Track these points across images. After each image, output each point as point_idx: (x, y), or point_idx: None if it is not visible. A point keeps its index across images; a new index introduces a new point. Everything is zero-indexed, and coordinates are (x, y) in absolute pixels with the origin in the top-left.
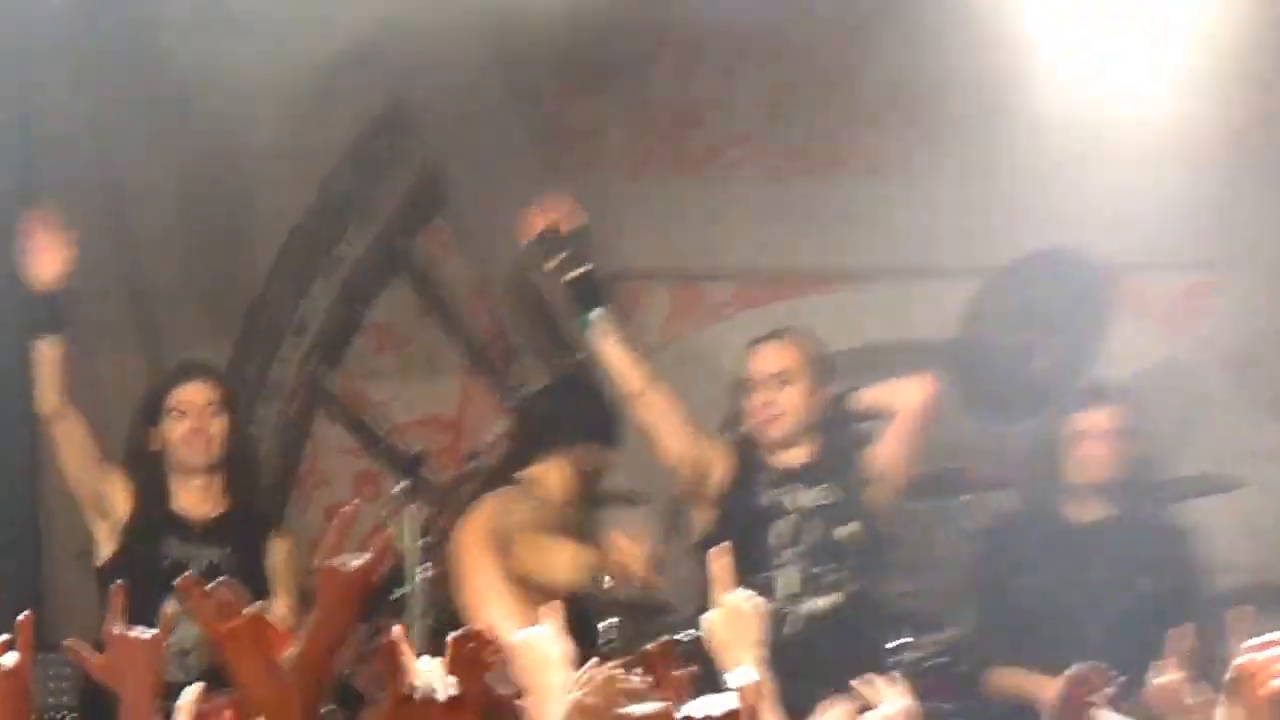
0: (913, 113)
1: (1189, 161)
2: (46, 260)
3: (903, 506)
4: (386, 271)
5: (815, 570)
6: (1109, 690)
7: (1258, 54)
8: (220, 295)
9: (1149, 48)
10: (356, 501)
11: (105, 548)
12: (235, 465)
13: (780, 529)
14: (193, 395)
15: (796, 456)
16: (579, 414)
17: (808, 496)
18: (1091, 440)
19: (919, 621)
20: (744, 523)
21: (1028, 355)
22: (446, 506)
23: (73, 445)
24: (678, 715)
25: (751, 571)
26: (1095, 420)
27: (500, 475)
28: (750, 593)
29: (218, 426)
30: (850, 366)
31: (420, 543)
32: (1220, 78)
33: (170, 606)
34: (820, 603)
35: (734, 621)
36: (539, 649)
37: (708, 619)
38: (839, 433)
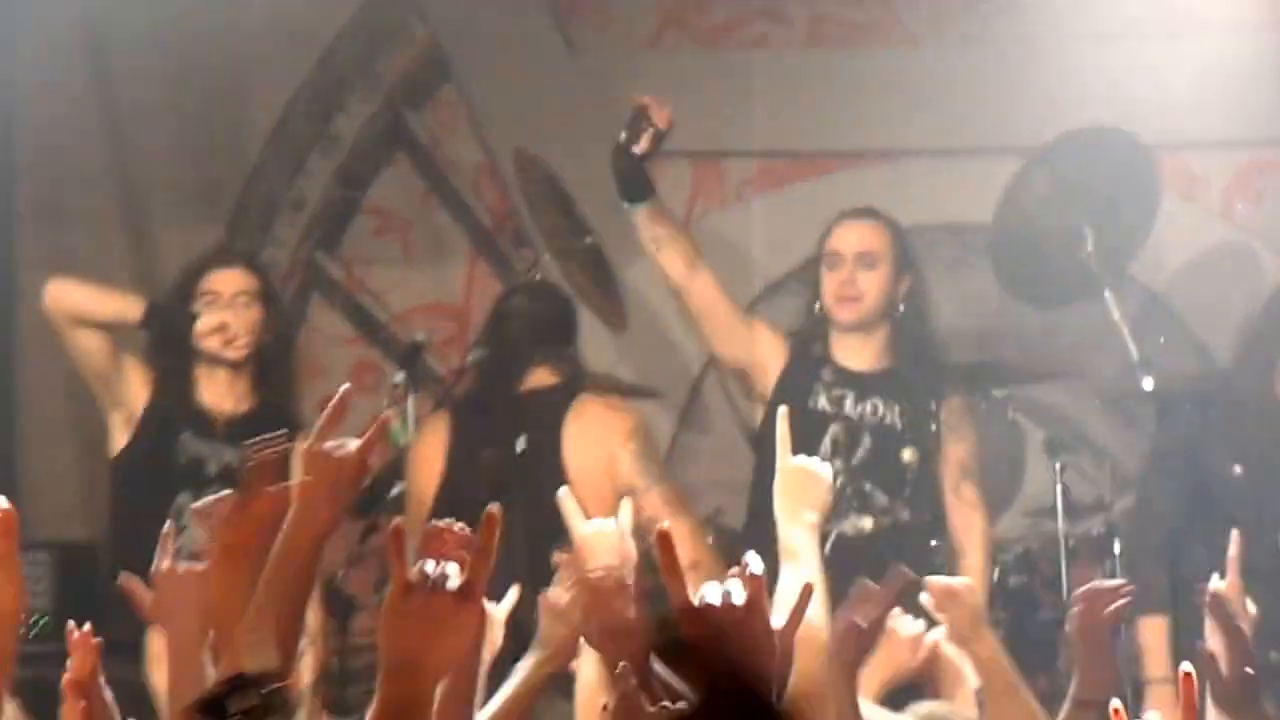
0: None
1: (1244, 31)
2: None
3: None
4: (388, 148)
5: (866, 487)
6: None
7: None
8: (212, 172)
9: None
10: (348, 385)
11: (119, 438)
12: (266, 361)
13: (836, 434)
14: (223, 283)
15: (864, 359)
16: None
17: (870, 407)
18: None
19: None
20: (797, 423)
21: (1071, 238)
22: (450, 398)
23: (80, 327)
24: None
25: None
26: None
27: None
28: (816, 458)
29: (247, 319)
30: None
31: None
32: None
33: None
34: (865, 524)
35: (799, 485)
36: (607, 543)
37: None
38: (912, 341)
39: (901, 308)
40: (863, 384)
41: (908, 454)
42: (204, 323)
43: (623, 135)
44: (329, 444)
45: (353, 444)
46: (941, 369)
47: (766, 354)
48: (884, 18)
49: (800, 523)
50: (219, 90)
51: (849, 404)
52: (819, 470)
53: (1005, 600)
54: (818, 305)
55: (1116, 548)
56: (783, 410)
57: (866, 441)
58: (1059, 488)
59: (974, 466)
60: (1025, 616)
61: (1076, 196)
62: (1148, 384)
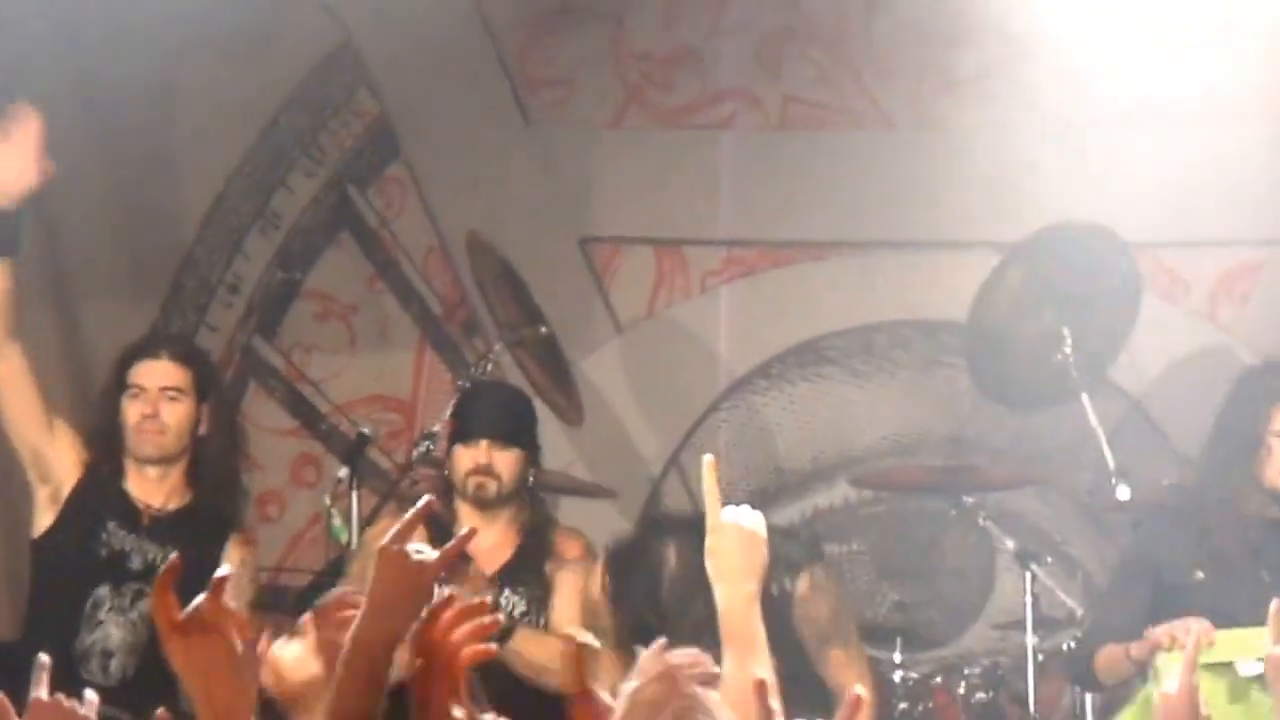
0: (925, 64)
1: (1234, 128)
2: (14, 168)
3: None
4: (332, 228)
5: None
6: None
7: None
8: (145, 250)
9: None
10: (430, 497)
11: (43, 517)
12: (201, 458)
13: None
14: (151, 375)
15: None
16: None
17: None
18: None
19: (921, 636)
20: None
21: (1048, 339)
22: (395, 495)
23: (14, 392)
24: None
25: None
26: None
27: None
28: (747, 507)
29: (175, 414)
30: (851, 348)
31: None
32: (1271, 36)
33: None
34: None
35: (739, 545)
36: (746, 531)
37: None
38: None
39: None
40: None
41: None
42: (130, 415)
43: None
44: (410, 547)
45: (431, 552)
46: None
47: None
48: (857, 99)
49: (742, 595)
50: (153, 163)
51: None
52: (757, 525)
53: (970, 717)
54: None
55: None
56: (709, 459)
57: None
58: (1029, 599)
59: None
60: None
61: (1055, 295)
62: (1123, 493)
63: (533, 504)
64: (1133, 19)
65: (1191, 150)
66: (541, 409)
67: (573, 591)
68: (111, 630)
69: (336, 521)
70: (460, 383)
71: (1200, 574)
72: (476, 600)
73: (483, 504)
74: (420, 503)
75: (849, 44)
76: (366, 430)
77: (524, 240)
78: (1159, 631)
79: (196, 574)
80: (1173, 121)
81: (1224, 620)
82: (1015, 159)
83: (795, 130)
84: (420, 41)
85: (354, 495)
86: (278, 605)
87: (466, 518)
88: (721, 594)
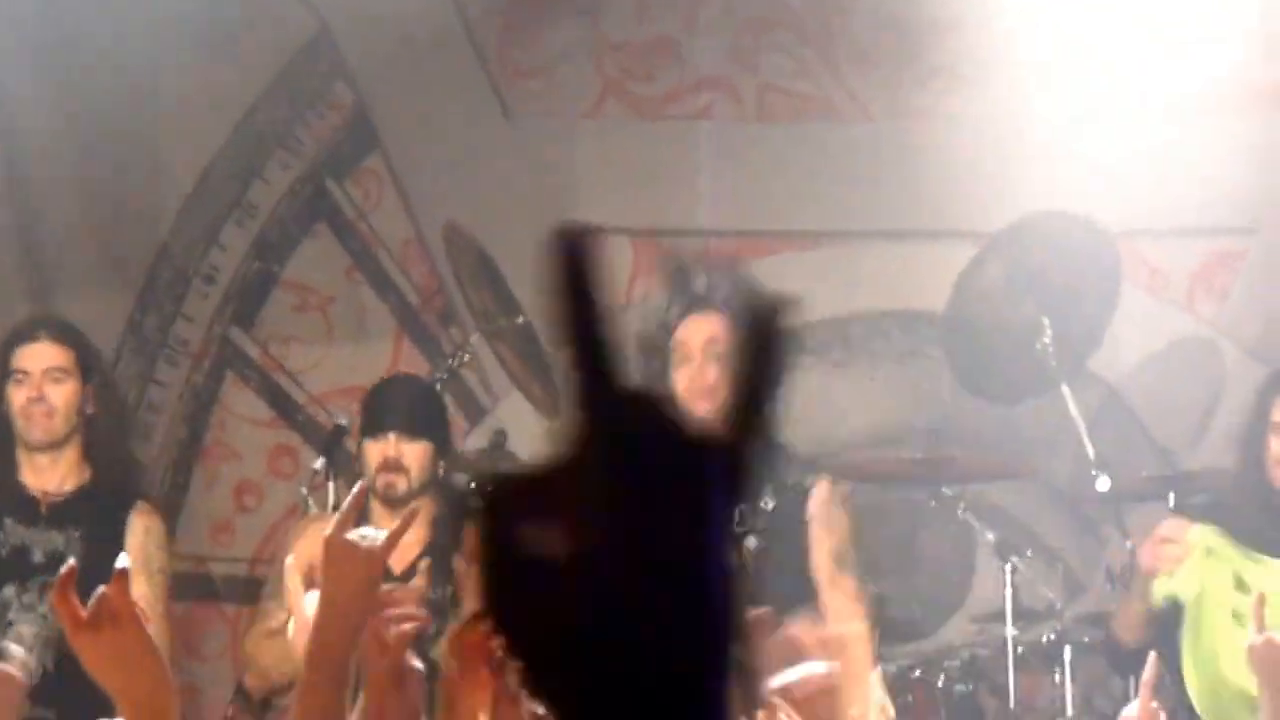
0: (905, 54)
1: (1214, 117)
2: None
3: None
4: (309, 219)
5: None
6: None
7: None
8: (122, 242)
9: None
10: (363, 484)
11: None
12: (93, 437)
13: None
14: (33, 358)
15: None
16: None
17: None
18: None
19: (900, 629)
20: None
21: (1028, 329)
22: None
23: None
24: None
25: None
26: None
27: None
28: None
29: (62, 396)
30: (830, 338)
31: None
32: (1251, 27)
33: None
34: None
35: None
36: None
37: None
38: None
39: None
40: None
41: (751, 542)
42: (16, 401)
43: None
44: (353, 534)
45: (377, 534)
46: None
47: None
48: (835, 90)
49: None
50: (130, 155)
51: None
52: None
53: (950, 710)
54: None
55: (1067, 655)
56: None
57: None
58: (1008, 591)
59: (848, 556)
60: None
61: (1034, 285)
62: (1103, 484)
63: (444, 498)
64: (1113, 10)
65: (1172, 141)
66: (519, 400)
67: None
68: (23, 629)
69: (314, 512)
70: (437, 373)
71: None
72: None
73: (392, 502)
74: (355, 489)
75: (827, 34)
76: (343, 421)
77: (501, 231)
78: (1142, 557)
79: (101, 555)
80: (1153, 112)
81: None
82: (994, 149)
83: (773, 121)
84: (397, 32)
85: (330, 486)
86: (255, 597)
87: (378, 515)
88: None
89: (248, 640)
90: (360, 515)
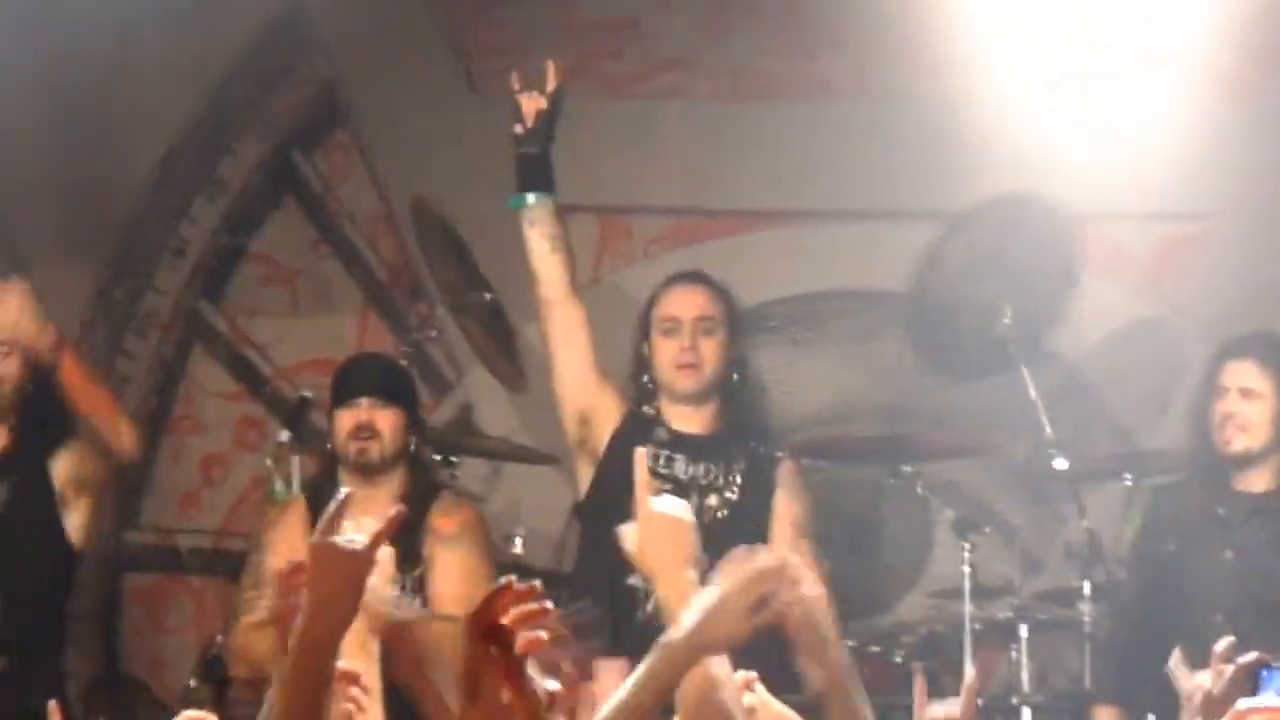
0: (869, 35)
1: (1173, 100)
2: None
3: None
4: (277, 193)
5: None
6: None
7: None
8: (92, 214)
9: None
10: (350, 491)
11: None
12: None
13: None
14: None
15: (696, 423)
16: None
17: (701, 469)
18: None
19: (857, 605)
20: (620, 483)
21: (988, 309)
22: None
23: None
24: None
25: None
26: (1237, 372)
27: None
28: (675, 498)
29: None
30: (793, 316)
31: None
32: (1213, 11)
33: None
34: None
35: (669, 534)
36: (673, 519)
37: (628, 530)
38: (740, 402)
39: (735, 376)
40: (694, 446)
41: (722, 511)
42: None
43: (517, 129)
44: (338, 538)
45: (360, 537)
46: (771, 432)
47: (607, 408)
48: (805, 68)
49: (680, 585)
50: (100, 128)
51: (679, 466)
52: (684, 514)
53: (907, 686)
54: (646, 377)
55: (1024, 632)
56: (640, 451)
57: (695, 501)
58: (966, 568)
59: (809, 528)
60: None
61: (995, 265)
62: (1060, 464)
63: (414, 472)
64: None
65: (1134, 123)
66: (485, 375)
67: (450, 569)
68: None
69: (278, 485)
70: (403, 347)
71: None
72: (527, 585)
73: (365, 470)
74: (341, 497)
75: (796, 15)
76: (308, 394)
77: (469, 206)
78: None
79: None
80: (1117, 95)
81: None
82: (958, 130)
83: (741, 101)
84: (367, 8)
85: (294, 459)
86: (221, 570)
87: (349, 484)
88: (659, 586)
89: (236, 634)
90: (330, 482)
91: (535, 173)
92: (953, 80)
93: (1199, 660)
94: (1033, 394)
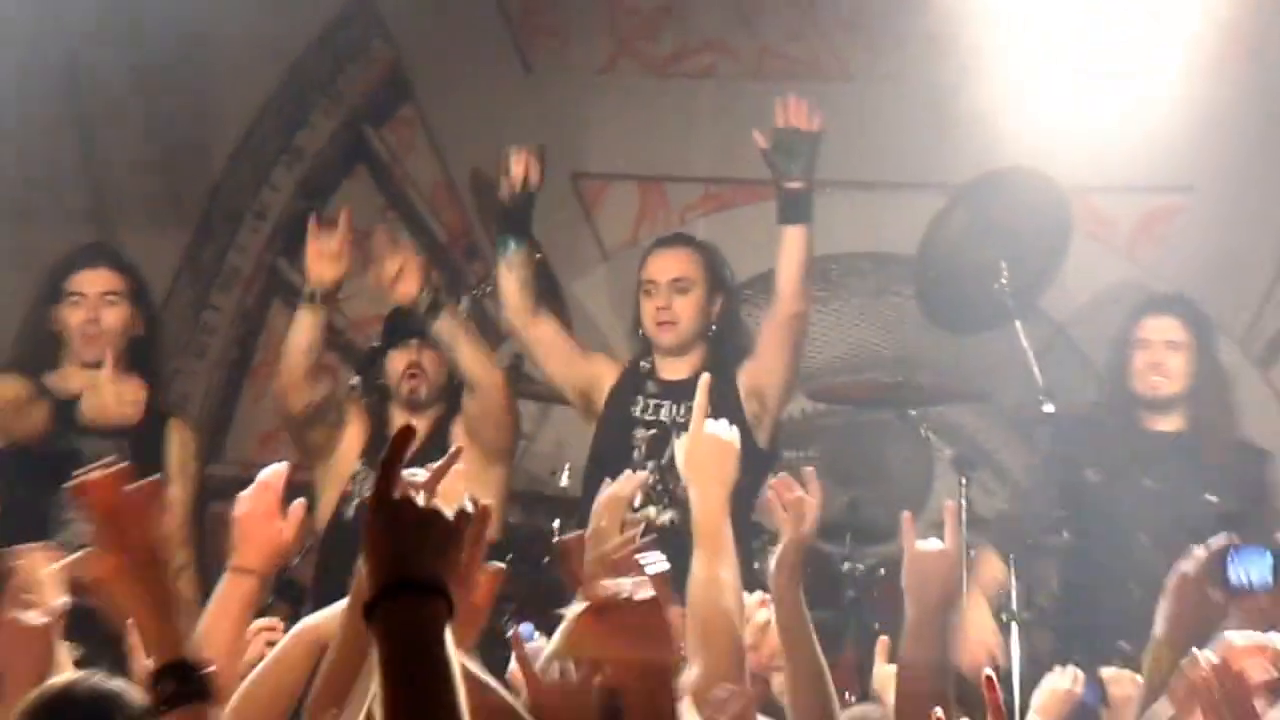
0: (882, 21)
1: (1157, 79)
2: None
3: (852, 418)
4: (348, 162)
5: (666, 484)
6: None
7: None
8: (180, 181)
9: None
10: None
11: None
12: (137, 357)
13: (641, 438)
14: (90, 281)
15: (681, 369)
16: None
17: (676, 411)
18: (1158, 348)
19: (863, 533)
20: (620, 431)
21: (988, 272)
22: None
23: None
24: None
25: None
26: (1160, 327)
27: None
28: (727, 423)
29: (114, 317)
30: (813, 276)
31: None
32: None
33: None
34: (660, 516)
35: (714, 453)
36: (723, 441)
37: (680, 443)
38: (725, 348)
39: (714, 327)
40: (679, 391)
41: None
42: (72, 321)
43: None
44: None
45: (417, 472)
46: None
47: (600, 374)
48: (823, 52)
49: (715, 498)
50: (188, 101)
51: (664, 411)
52: (732, 438)
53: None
54: (641, 332)
55: (1012, 559)
56: (705, 378)
57: (670, 440)
58: (963, 501)
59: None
60: None
61: (994, 232)
62: (1048, 408)
63: (449, 408)
64: None
65: (1118, 103)
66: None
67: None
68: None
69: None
70: (462, 304)
71: (1092, 474)
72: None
73: (414, 405)
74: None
75: (818, 4)
76: (377, 343)
77: None
78: None
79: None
80: (1103, 77)
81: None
82: (961, 110)
83: (769, 80)
84: None
85: (363, 403)
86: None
87: (399, 419)
88: (696, 496)
89: None
90: (381, 420)
91: (517, 225)
92: (956, 64)
93: (1131, 574)
94: (1024, 346)
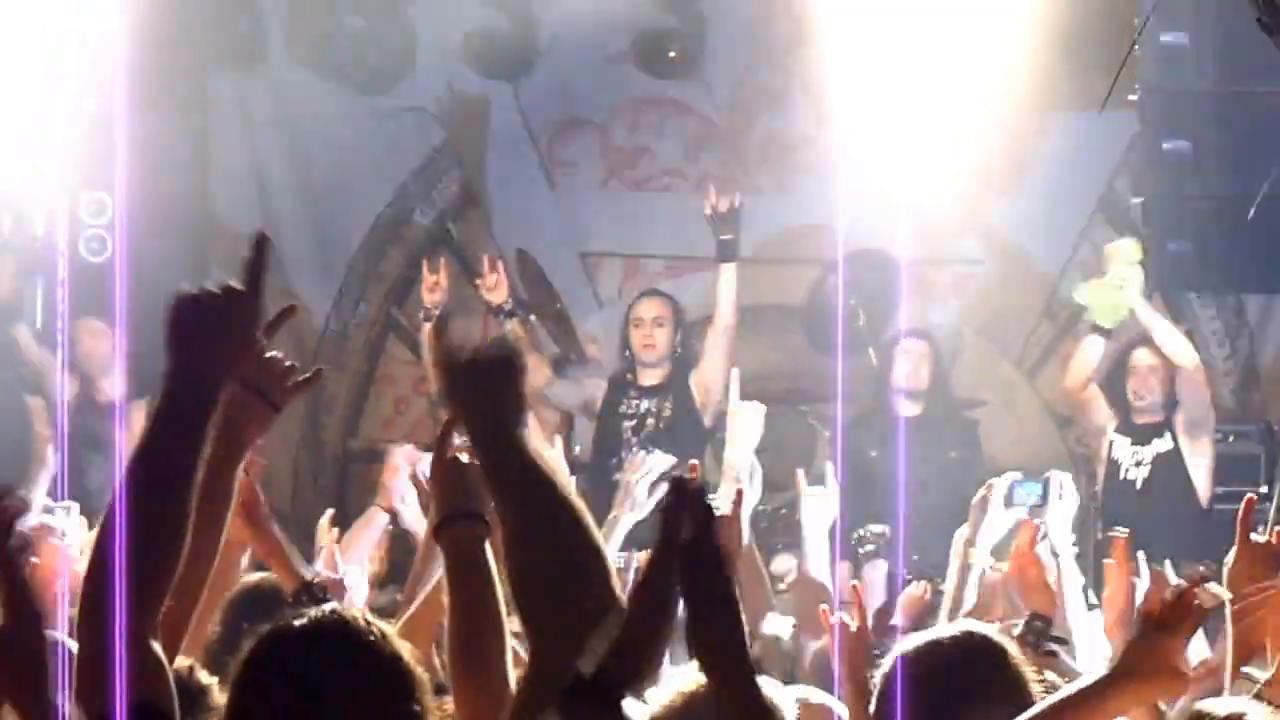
0: (784, 157)
1: (961, 182)
2: None
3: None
4: (438, 245)
5: (648, 450)
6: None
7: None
8: (329, 255)
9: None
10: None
11: None
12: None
13: (628, 425)
14: None
15: (655, 377)
16: None
17: (648, 404)
18: (915, 358)
19: (771, 484)
20: (614, 419)
21: (851, 315)
22: None
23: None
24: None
25: (609, 454)
26: (914, 346)
27: None
28: (758, 404)
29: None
30: (740, 322)
31: None
32: (982, 110)
33: None
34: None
35: (743, 420)
36: (751, 411)
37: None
38: (682, 362)
39: (678, 350)
40: (651, 392)
41: (662, 422)
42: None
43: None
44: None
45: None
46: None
47: (591, 394)
48: (741, 175)
49: (743, 455)
50: (331, 203)
51: (640, 405)
52: (759, 413)
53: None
54: (628, 352)
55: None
56: (734, 371)
57: (650, 420)
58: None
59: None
60: None
61: (855, 288)
62: (905, 409)
63: None
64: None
65: (933, 199)
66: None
67: None
68: None
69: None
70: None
71: (874, 453)
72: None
73: None
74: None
75: (740, 148)
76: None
77: (548, 254)
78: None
79: None
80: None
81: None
82: (828, 204)
83: (692, 195)
84: (486, 139)
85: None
86: None
87: None
88: (733, 452)
89: None
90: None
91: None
92: (826, 170)
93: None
94: (874, 363)
